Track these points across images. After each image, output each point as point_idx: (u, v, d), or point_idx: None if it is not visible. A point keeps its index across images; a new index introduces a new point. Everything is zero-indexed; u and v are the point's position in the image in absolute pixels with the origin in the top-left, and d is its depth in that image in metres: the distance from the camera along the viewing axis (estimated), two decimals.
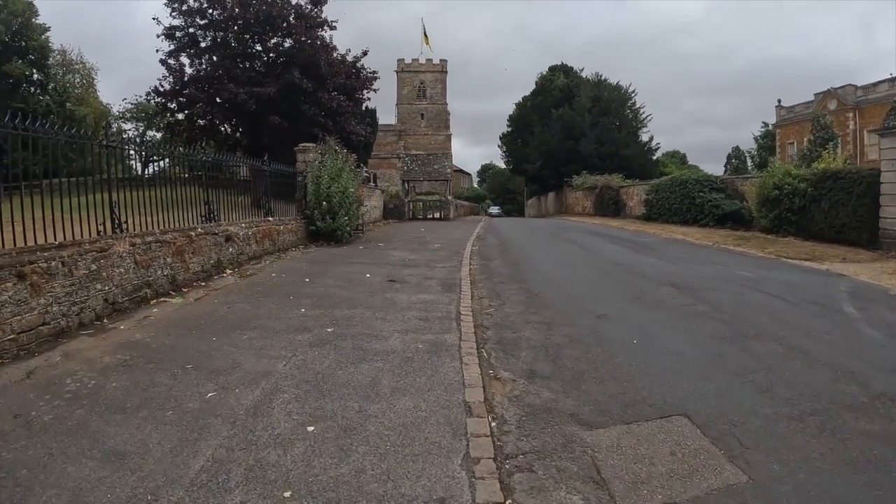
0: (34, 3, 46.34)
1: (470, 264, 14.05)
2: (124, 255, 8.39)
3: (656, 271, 13.08)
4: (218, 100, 26.98)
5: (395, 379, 5.76)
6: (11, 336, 6.31)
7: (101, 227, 8.38)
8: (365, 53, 31.77)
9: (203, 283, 10.48)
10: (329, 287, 10.47)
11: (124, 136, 9.73)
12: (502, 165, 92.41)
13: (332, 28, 30.38)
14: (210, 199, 11.76)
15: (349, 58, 30.84)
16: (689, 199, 29.47)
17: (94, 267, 7.74)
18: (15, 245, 6.80)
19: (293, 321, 7.97)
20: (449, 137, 73.05)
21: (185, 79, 27.86)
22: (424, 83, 74.93)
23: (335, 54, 30.01)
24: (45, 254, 6.98)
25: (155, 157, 10.84)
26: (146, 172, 11.86)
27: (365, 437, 4.43)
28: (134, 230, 9.04)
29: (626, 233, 26.61)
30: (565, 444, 4.44)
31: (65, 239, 7.55)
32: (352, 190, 18.39)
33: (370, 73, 32.25)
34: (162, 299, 9.12)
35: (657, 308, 9.22)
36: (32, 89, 46.78)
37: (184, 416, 4.78)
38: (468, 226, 34.16)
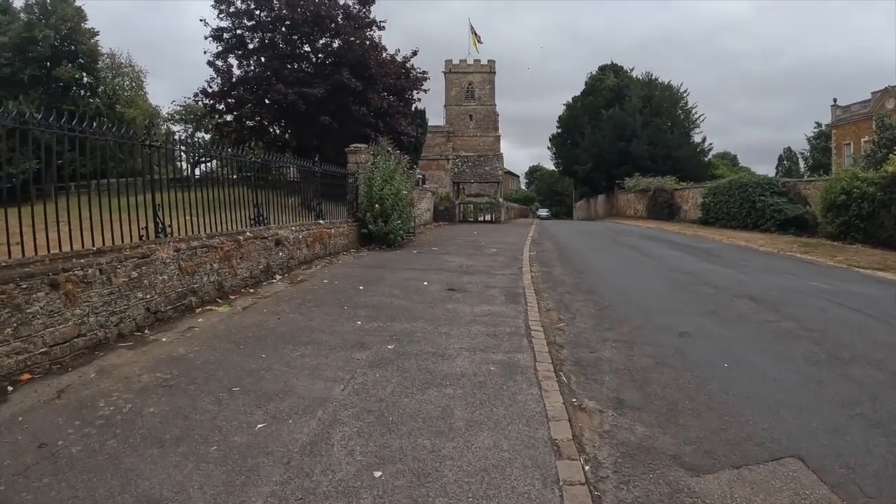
0: (83, 8, 47.61)
1: (531, 271, 13.22)
2: (168, 261, 7.80)
3: (728, 281, 12.08)
4: (266, 101, 26.74)
5: (469, 409, 4.99)
6: (43, 349, 5.78)
7: (143, 232, 7.82)
8: (415, 53, 31.27)
9: (251, 290, 9.89)
10: (385, 296, 9.77)
11: (171, 137, 8.99)
12: (550, 167, 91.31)
13: (381, 28, 30.04)
14: (259, 202, 11.18)
15: (398, 58, 30.37)
16: (749, 203, 28.15)
17: (134, 274, 7.16)
18: (49, 251, 6.27)
19: (349, 335, 7.26)
20: (498, 139, 72.36)
21: (234, 80, 27.74)
22: (473, 84, 74.43)
23: (384, 54, 29.58)
24: (82, 261, 6.41)
25: (201, 158, 10.27)
26: (193, 174, 11.35)
27: (442, 485, 3.66)
28: (178, 234, 8.48)
29: (684, 238, 25.37)
30: (672, 493, 3.72)
31: (104, 244, 7.00)
32: (405, 192, 17.72)
33: (420, 73, 31.69)
34: (208, 307, 8.52)
35: (739, 325, 8.35)
36: (82, 92, 47.83)
37: (230, 452, 4.09)
38: (521, 229, 33.25)
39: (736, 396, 5.46)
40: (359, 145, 18.36)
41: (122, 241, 7.32)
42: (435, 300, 9.48)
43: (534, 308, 9.04)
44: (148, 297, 7.42)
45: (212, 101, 28.11)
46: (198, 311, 8.33)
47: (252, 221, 10.89)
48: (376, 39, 29.48)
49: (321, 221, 14.47)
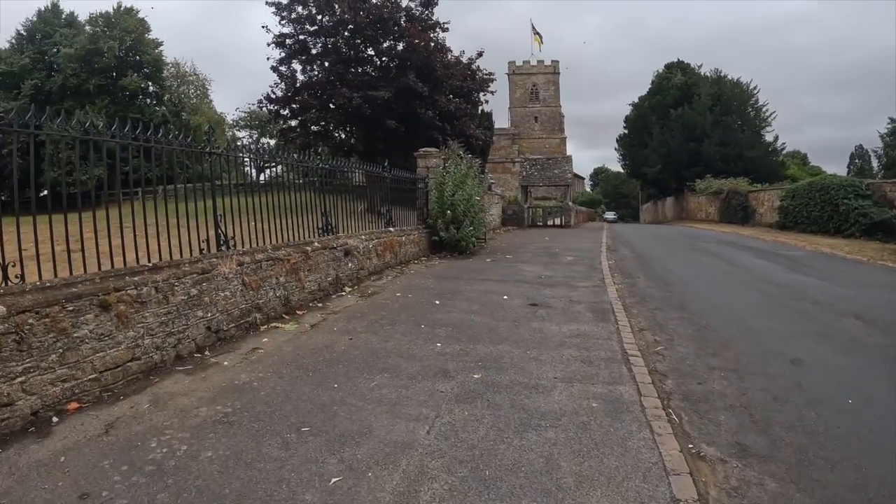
0: (146, 19, 49.53)
1: (614, 283, 12.20)
2: (230, 276, 7.14)
3: (827, 296, 10.84)
4: (331, 105, 26.39)
5: (577, 460, 4.13)
6: (93, 375, 5.19)
7: (203, 244, 7.19)
8: (480, 55, 30.49)
9: (320, 305, 9.20)
10: (464, 312, 8.95)
11: (233, 143, 8.39)
12: (614, 169, 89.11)
13: (444, 30, 29.42)
14: (327, 209, 10.50)
15: (463, 59, 29.64)
16: (831, 207, 26.16)
17: (194, 291, 6.51)
18: (100, 268, 5.64)
19: (430, 361, 6.45)
20: (564, 140, 70.98)
21: (298, 85, 27.53)
22: (537, 85, 73.26)
23: (449, 56, 28.92)
24: (136, 278, 5.78)
25: (266, 165, 9.64)
26: (256, 181, 10.76)
27: None
28: (242, 246, 7.83)
29: (764, 244, 23.73)
30: None
31: (160, 259, 6.36)
32: (477, 198, 16.92)
33: (486, 74, 30.90)
34: (273, 325, 7.85)
35: (854, 350, 7.26)
36: (148, 101, 49.04)
37: None
38: (592, 233, 31.99)
39: (870, 443, 4.61)
40: (429, 149, 17.62)
41: (181, 256, 6.71)
42: (518, 317, 8.62)
43: (626, 328, 8.14)
44: (209, 315, 6.77)
45: (276, 107, 28.01)
46: (262, 328, 7.67)
47: (319, 230, 10.23)
48: (440, 41, 28.83)
49: (391, 229, 13.75)
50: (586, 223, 53.59)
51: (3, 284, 4.92)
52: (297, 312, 8.52)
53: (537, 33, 76.24)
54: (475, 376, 5.91)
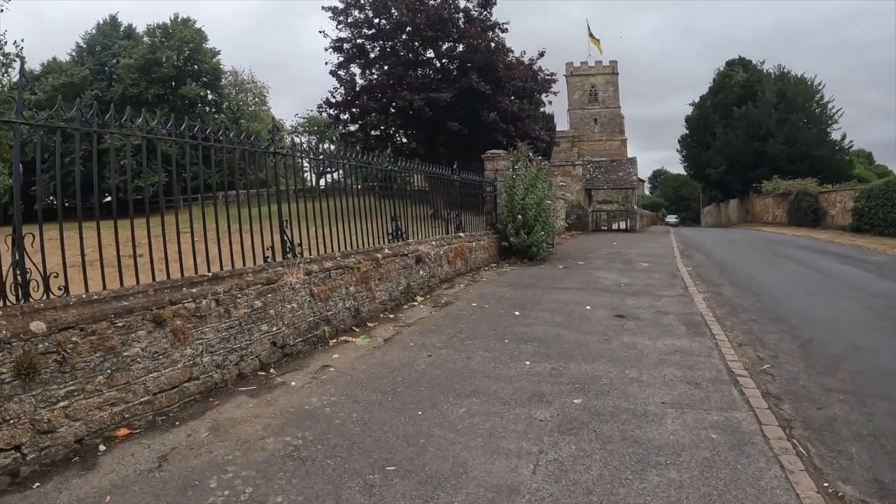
0: (203, 29, 50.74)
1: (699, 292, 11.15)
2: (298, 286, 6.45)
3: None
4: (392, 109, 25.89)
5: None
6: (145, 398, 4.60)
7: (268, 252, 6.51)
8: (541, 54, 29.67)
9: (391, 316, 8.46)
10: (547, 324, 8.12)
11: (298, 145, 7.66)
12: (674, 171, 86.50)
13: (504, 31, 28.75)
14: (397, 215, 9.76)
15: (525, 60, 28.80)
16: None
17: (258, 303, 5.83)
18: (154, 279, 4.97)
19: (521, 382, 5.65)
20: (624, 142, 69.39)
21: (357, 89, 27.31)
22: (595, 86, 71.83)
23: (510, 57, 28.09)
24: (194, 290, 5.13)
25: (332, 166, 8.93)
26: (320, 185, 10.13)
27: None
28: (309, 254, 7.14)
29: (842, 248, 22.06)
30: None
31: (221, 268, 5.70)
32: (548, 201, 16.01)
33: (548, 75, 29.97)
34: (343, 338, 7.14)
35: None
36: (207, 108, 49.81)
37: None
38: (660, 238, 30.60)
39: None
40: (497, 151, 16.78)
41: (244, 264, 6.04)
42: (606, 331, 7.76)
43: (724, 343, 7.24)
44: (274, 329, 6.09)
45: (336, 111, 27.81)
46: (331, 343, 6.97)
47: (389, 236, 9.51)
48: (501, 41, 28.07)
49: (462, 234, 12.95)
50: (650, 227, 51.92)
51: (44, 297, 4.30)
52: (368, 325, 7.80)
53: (593, 35, 74.73)
54: (575, 401, 5.12)
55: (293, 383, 5.60)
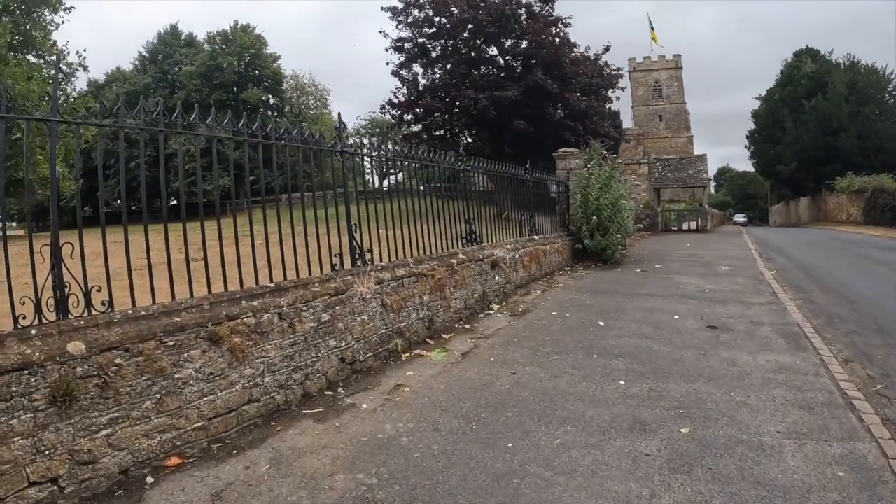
0: (262, 35, 51.73)
1: (790, 299, 10.11)
2: (368, 296, 5.81)
3: None
4: (455, 109, 25.27)
5: None
6: (198, 424, 4.07)
7: (336, 259, 5.87)
8: (607, 49, 28.61)
9: (467, 326, 7.75)
10: (636, 336, 7.33)
11: (367, 143, 6.99)
12: (739, 168, 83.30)
13: (566, 25, 27.79)
14: (471, 216, 9.04)
15: (589, 55, 27.75)
16: None
17: (325, 317, 5.21)
18: (210, 290, 4.38)
19: (617, 406, 4.93)
20: (690, 139, 67.16)
21: (420, 88, 26.99)
22: (659, 82, 69.80)
23: (575, 52, 27.12)
24: (254, 303, 4.52)
25: (399, 167, 8.24)
26: (387, 186, 9.47)
27: None
28: (380, 260, 6.48)
29: None
30: None
31: (284, 278, 5.09)
32: (624, 201, 15.03)
33: (614, 70, 28.88)
34: (417, 352, 6.48)
35: None
36: (269, 113, 50.40)
37: None
38: (733, 238, 29.04)
39: None
40: (569, 149, 15.91)
41: (310, 273, 5.42)
42: (700, 344, 6.94)
43: (829, 359, 6.39)
44: (343, 344, 5.46)
45: (399, 112, 27.57)
46: (404, 357, 6.31)
47: (464, 241, 8.79)
48: (565, 36, 27.14)
49: (536, 237, 12.13)
50: (721, 227, 49.88)
51: (85, 314, 3.74)
52: (443, 336, 7.11)
53: (654, 29, 72.61)
54: (682, 431, 4.40)
55: (364, 406, 4.97)
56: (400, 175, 8.58)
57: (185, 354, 3.97)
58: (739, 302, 9.78)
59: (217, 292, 4.47)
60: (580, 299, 9.87)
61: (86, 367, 3.49)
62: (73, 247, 3.74)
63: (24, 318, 3.54)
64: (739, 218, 73.28)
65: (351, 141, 6.92)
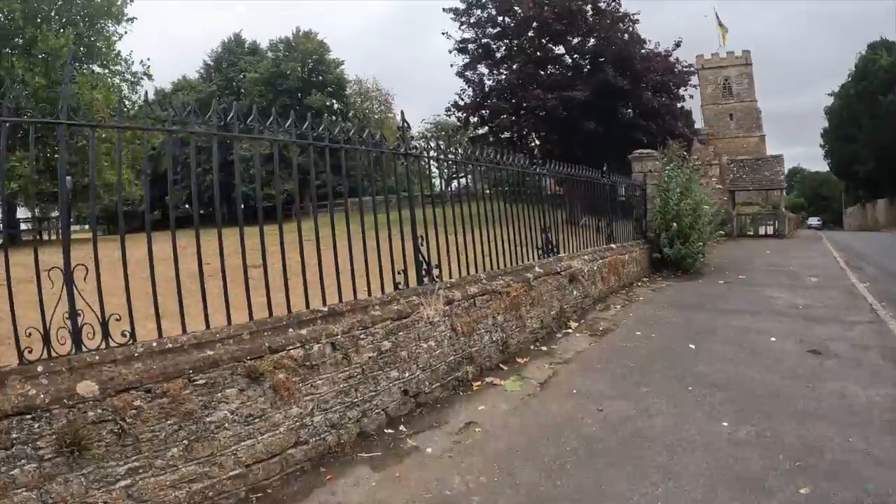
0: (325, 40, 52.30)
1: (892, 317, 8.90)
2: (436, 319, 5.06)
3: None
4: (522, 110, 24.44)
5: None
6: (235, 472, 3.45)
7: (399, 276, 5.13)
8: (678, 45, 27.18)
9: (543, 348, 6.93)
10: (731, 362, 6.42)
11: (437, 144, 6.12)
12: (811, 169, 79.54)
13: (635, 22, 26.48)
14: (548, 224, 8.20)
15: (659, 51, 26.45)
16: None
17: (387, 345, 4.49)
18: (251, 318, 3.71)
19: (723, 457, 4.10)
20: (762, 139, 64.24)
21: (486, 89, 26.35)
22: (729, 79, 66.99)
23: (645, 49, 25.87)
24: (303, 331, 3.85)
25: (467, 170, 7.42)
26: (453, 190, 8.66)
27: None
28: (448, 277, 5.73)
29: None
30: None
31: (339, 300, 4.37)
32: (706, 206, 13.92)
33: (685, 66, 27.48)
34: (489, 379, 5.70)
35: None
36: (333, 117, 50.94)
37: None
38: (813, 244, 27.19)
39: None
40: (646, 150, 14.77)
41: (369, 294, 4.70)
42: (806, 373, 5.98)
43: None
44: (406, 375, 4.74)
45: (464, 114, 27.00)
46: (475, 386, 5.54)
47: (540, 251, 7.95)
48: (634, 33, 25.96)
49: (613, 246, 11.16)
50: (798, 231, 47.40)
51: (102, 346, 3.12)
52: (517, 361, 6.30)
53: (722, 24, 69.70)
54: (802, 491, 3.60)
55: (429, 449, 4.25)
56: (467, 179, 7.80)
57: (219, 394, 3.33)
58: (837, 321, 8.70)
59: (260, 318, 3.79)
60: (664, 316, 8.91)
61: (99, 410, 2.91)
62: (86, 269, 3.13)
63: (29, 351, 2.98)
64: (814, 221, 70.11)
65: (415, 144, 6.12)
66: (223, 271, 3.69)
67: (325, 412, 3.96)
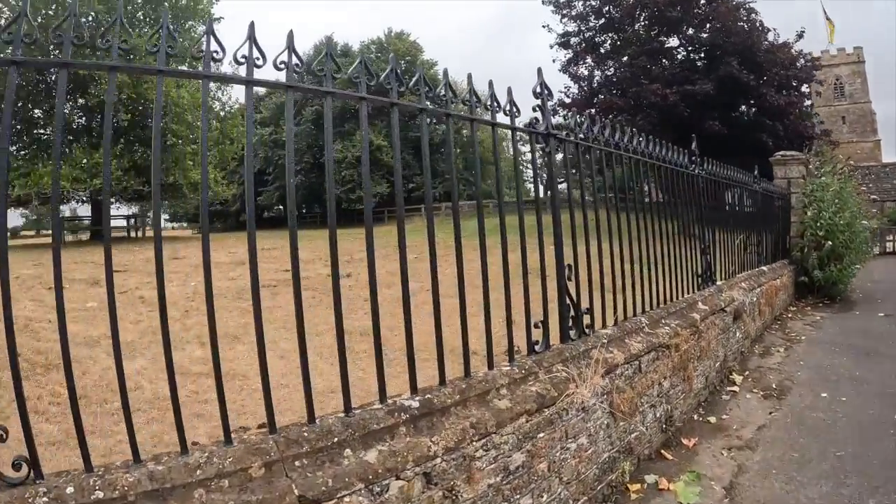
0: (417, 41, 53.11)
1: None
2: (592, 403, 3.12)
3: None
4: (633, 104, 22.21)
5: None
6: None
7: (536, 330, 3.20)
8: (800, 35, 24.29)
9: (710, 419, 4.91)
10: None
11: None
12: None
13: (751, 11, 23.71)
14: (707, 243, 6.19)
15: (780, 42, 23.62)
16: None
17: (518, 458, 2.63)
18: (272, 425, 1.93)
19: None
20: (878, 143, 59.08)
21: (594, 85, 24.53)
22: (840, 78, 61.79)
23: (768, 39, 23.09)
24: (368, 455, 2.01)
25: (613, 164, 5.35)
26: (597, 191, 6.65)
27: None
28: (603, 327, 3.81)
29: None
30: None
31: (441, 382, 2.55)
32: (864, 221, 11.56)
33: (808, 60, 24.60)
34: (649, 479, 3.74)
35: None
36: (428, 120, 51.24)
37: None
38: None
39: None
40: (791, 153, 12.14)
41: (490, 367, 2.83)
42: None
43: None
44: (543, 498, 2.81)
45: (571, 112, 24.64)
46: (633, 491, 3.59)
47: (699, 279, 5.90)
48: (754, 21, 23.23)
49: (765, 268, 8.86)
50: None
51: None
52: (683, 442, 4.31)
53: (829, 19, 64.35)
54: None
55: None
56: (613, 176, 5.83)
57: None
58: None
59: (285, 423, 2.02)
60: (842, 365, 6.70)
61: None
62: None
63: None
64: None
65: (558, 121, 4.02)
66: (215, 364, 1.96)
67: None
